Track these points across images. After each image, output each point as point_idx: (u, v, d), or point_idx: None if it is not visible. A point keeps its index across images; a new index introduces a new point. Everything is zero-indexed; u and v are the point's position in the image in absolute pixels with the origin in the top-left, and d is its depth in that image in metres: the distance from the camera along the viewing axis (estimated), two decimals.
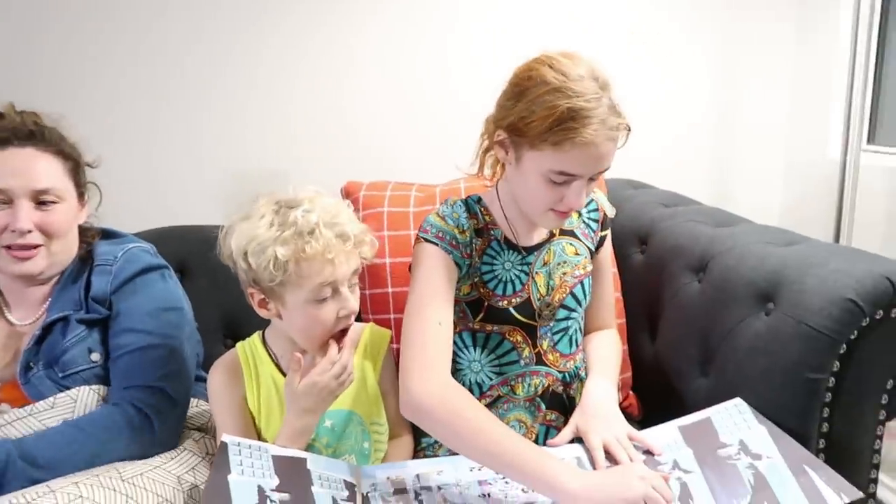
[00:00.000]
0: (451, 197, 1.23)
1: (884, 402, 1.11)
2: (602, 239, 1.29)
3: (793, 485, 0.94)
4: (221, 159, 1.73)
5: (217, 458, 0.94)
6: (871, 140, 1.93)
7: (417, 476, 1.02)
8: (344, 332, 1.08)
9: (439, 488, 1.00)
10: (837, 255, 1.13)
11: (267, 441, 1.09)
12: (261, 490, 0.90)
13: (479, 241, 1.18)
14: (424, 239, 1.15)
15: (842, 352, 1.06)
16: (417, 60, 1.79)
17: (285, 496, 0.91)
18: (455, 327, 1.18)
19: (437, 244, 1.13)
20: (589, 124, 0.99)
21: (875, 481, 1.12)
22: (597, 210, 1.29)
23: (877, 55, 1.84)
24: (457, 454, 1.03)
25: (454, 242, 1.14)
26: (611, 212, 1.31)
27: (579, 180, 1.05)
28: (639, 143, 1.90)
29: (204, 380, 1.36)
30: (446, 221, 1.16)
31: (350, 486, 0.98)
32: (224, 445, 0.95)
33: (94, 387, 1.12)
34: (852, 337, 1.06)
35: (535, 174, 1.06)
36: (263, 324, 1.15)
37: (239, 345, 1.16)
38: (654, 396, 1.45)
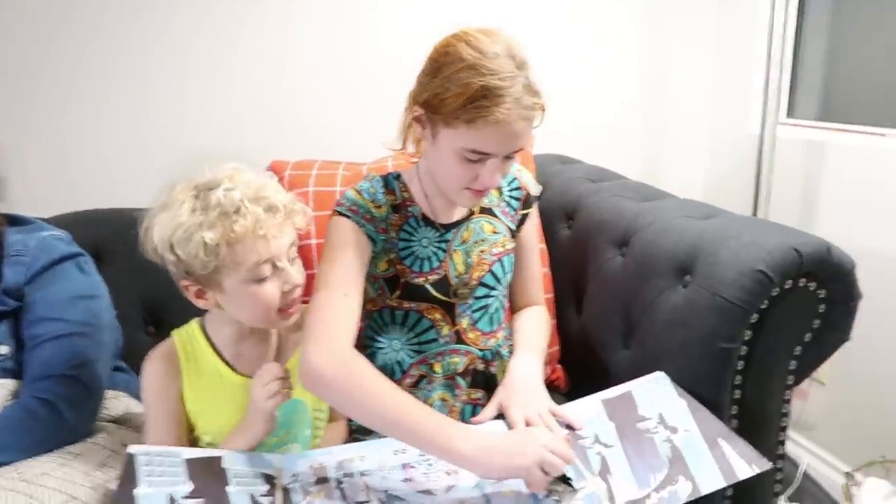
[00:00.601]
0: (371, 173, 1.21)
1: (791, 367, 1.16)
2: (524, 217, 1.29)
3: (707, 457, 0.96)
4: (138, 139, 1.66)
5: (124, 472, 0.89)
6: (790, 114, 1.99)
7: (340, 463, 1.01)
8: (292, 305, 1.05)
9: (362, 474, 0.99)
10: (751, 228, 1.17)
11: (202, 437, 1.06)
12: (171, 499, 0.86)
13: (395, 217, 1.18)
14: (338, 212, 1.14)
15: (753, 321, 1.10)
16: (347, 36, 1.75)
17: (199, 502, 0.88)
18: (374, 304, 1.20)
19: (349, 217, 1.13)
20: (502, 103, 0.99)
21: (783, 443, 1.18)
22: (519, 189, 1.29)
23: (796, 30, 1.89)
24: (384, 437, 1.01)
25: (368, 216, 1.14)
26: (535, 190, 1.31)
27: (493, 159, 1.05)
28: (568, 119, 1.94)
29: (123, 370, 1.33)
30: (362, 195, 1.15)
31: (270, 480, 0.96)
32: (131, 457, 0.91)
33: (1, 381, 1.07)
34: (763, 307, 1.10)
35: (450, 152, 1.06)
36: (188, 306, 1.09)
37: (175, 333, 1.09)
38: (580, 369, 1.48)
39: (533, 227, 1.33)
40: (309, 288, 1.09)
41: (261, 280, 0.99)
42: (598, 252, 1.41)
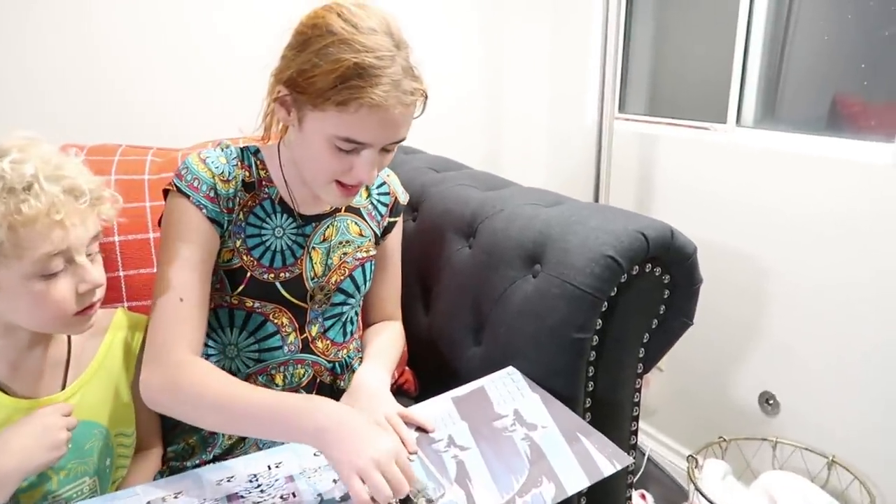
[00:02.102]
0: (226, 140, 1.04)
1: (641, 355, 1.14)
2: (391, 225, 1.18)
3: (567, 454, 0.91)
4: None
5: None
6: (621, 109, 2.06)
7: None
8: (92, 307, 0.87)
9: None
10: (597, 214, 1.14)
11: None
12: None
13: (245, 196, 1.01)
14: (177, 187, 0.96)
15: (604, 309, 1.06)
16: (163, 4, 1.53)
17: None
18: (210, 302, 1.00)
19: (189, 196, 0.95)
20: (378, 84, 0.86)
21: (636, 433, 1.16)
22: (388, 194, 1.17)
23: (624, 34, 1.96)
24: (205, 464, 0.92)
25: (211, 194, 0.97)
26: (403, 198, 1.21)
27: (369, 149, 0.92)
28: None
29: None
30: (207, 165, 0.98)
31: None
32: None
33: None
34: (612, 294, 1.07)
35: (319, 138, 0.91)
36: None
37: None
38: (430, 370, 1.39)
39: (397, 239, 1.22)
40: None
41: (49, 276, 0.81)
42: (444, 244, 1.32)
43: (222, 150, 1.02)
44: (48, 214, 0.79)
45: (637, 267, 1.08)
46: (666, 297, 1.13)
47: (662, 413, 1.93)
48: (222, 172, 0.99)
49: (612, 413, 1.11)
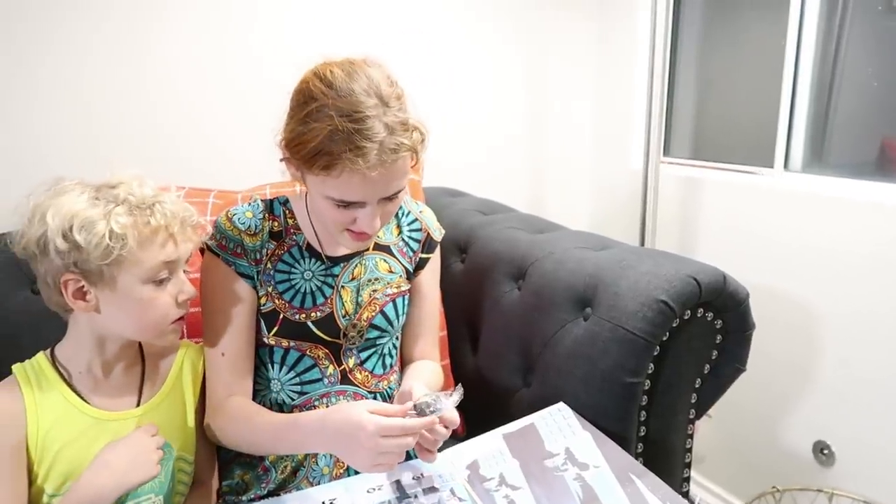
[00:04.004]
0: (255, 195, 1.09)
1: (693, 400, 1.14)
2: (423, 261, 1.19)
3: (620, 495, 0.90)
4: None
5: None
6: (665, 153, 2.07)
7: None
8: (183, 318, 0.98)
9: None
10: (648, 258, 1.15)
11: (43, 488, 0.90)
12: None
13: (273, 245, 1.07)
14: (208, 247, 1.04)
15: (656, 354, 1.06)
16: (221, 52, 1.61)
17: None
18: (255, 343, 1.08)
19: (219, 255, 1.04)
20: (356, 148, 0.87)
21: (688, 480, 1.14)
22: (420, 230, 1.19)
23: (669, 78, 1.98)
24: (260, 499, 0.97)
25: (238, 250, 1.04)
26: (437, 234, 1.21)
27: (368, 206, 0.95)
28: (454, 154, 1.90)
29: None
30: (233, 223, 1.05)
31: None
32: None
33: None
34: (664, 338, 1.07)
35: (319, 197, 0.95)
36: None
37: (16, 368, 0.95)
38: (477, 412, 1.38)
39: (432, 275, 1.22)
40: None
41: (159, 282, 0.92)
42: (493, 285, 1.34)
43: (249, 204, 1.08)
44: (167, 229, 0.91)
45: (689, 311, 1.08)
46: (718, 342, 1.13)
47: (711, 460, 1.89)
48: (248, 227, 1.05)
49: (664, 458, 1.10)
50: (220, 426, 1.03)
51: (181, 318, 0.97)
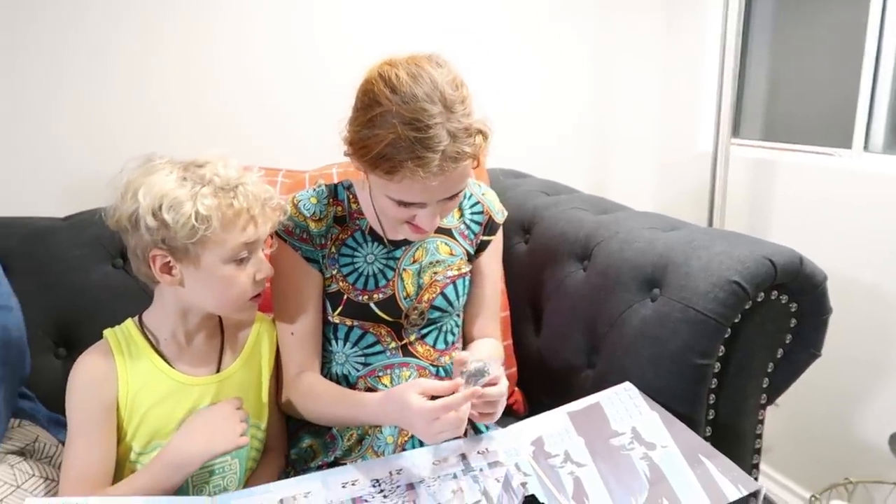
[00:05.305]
0: (321, 180, 1.12)
1: (765, 385, 1.11)
2: (485, 243, 1.20)
3: (689, 476, 0.89)
4: (47, 141, 1.48)
5: None
6: (735, 134, 2.00)
7: (281, 502, 0.88)
8: (261, 296, 1.02)
9: None
10: (721, 239, 1.12)
11: (131, 446, 0.96)
12: None
13: (337, 230, 1.11)
14: (277, 233, 1.09)
15: (727, 336, 1.04)
16: (287, 38, 1.64)
17: None
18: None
19: (286, 240, 1.08)
20: (418, 156, 0.88)
21: (757, 467, 1.12)
22: (482, 213, 1.19)
23: (741, 56, 1.91)
24: (329, 468, 0.98)
25: (304, 235, 1.08)
26: (499, 217, 1.22)
27: (428, 206, 0.97)
28: (518, 137, 1.89)
29: (28, 397, 1.17)
30: (299, 210, 1.09)
31: None
32: None
33: None
34: (736, 320, 1.04)
35: (380, 194, 0.99)
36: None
37: (108, 332, 1.00)
38: (540, 391, 1.39)
39: (494, 257, 1.23)
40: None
41: (240, 261, 0.96)
42: (557, 266, 1.33)
43: (315, 190, 1.12)
44: (248, 211, 0.94)
45: (763, 294, 1.05)
46: (793, 326, 1.10)
47: (779, 450, 1.83)
48: (313, 213, 1.09)
49: (733, 443, 1.08)
50: (292, 402, 1.09)
51: (258, 295, 1.01)
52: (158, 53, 1.53)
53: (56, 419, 1.14)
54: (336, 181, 1.17)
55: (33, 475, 0.96)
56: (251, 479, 1.05)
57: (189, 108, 1.57)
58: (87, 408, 0.94)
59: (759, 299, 1.05)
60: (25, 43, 1.41)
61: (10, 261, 1.24)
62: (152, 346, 0.99)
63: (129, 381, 0.96)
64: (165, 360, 0.99)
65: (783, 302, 1.07)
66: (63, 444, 1.03)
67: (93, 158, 1.49)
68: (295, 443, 1.14)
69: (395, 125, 0.88)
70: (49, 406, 1.15)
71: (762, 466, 1.85)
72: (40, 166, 1.47)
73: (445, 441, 0.94)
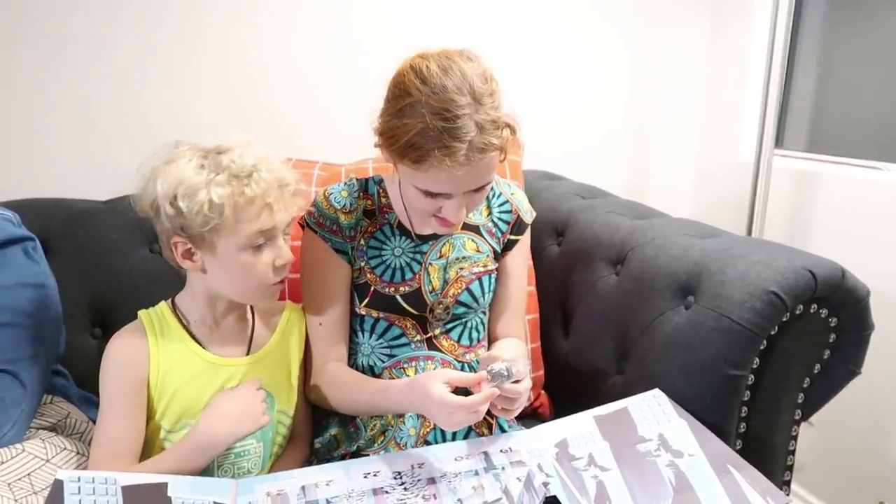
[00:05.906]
0: (352, 175, 1.13)
1: (800, 401, 1.08)
2: (512, 242, 1.19)
3: (716, 486, 0.87)
4: (85, 127, 1.51)
5: (49, 501, 0.77)
6: (778, 145, 1.96)
7: (303, 489, 0.89)
8: (282, 282, 1.02)
9: (328, 501, 0.87)
10: (759, 248, 1.09)
11: (160, 424, 0.98)
12: None
13: (366, 223, 1.12)
14: (307, 224, 1.11)
15: (762, 347, 1.01)
16: (324, 32, 1.65)
17: None
18: None
19: (316, 232, 1.10)
20: (446, 147, 0.90)
21: (789, 483, 1.09)
22: (510, 212, 1.19)
23: (787, 65, 1.87)
24: (352, 458, 0.99)
25: (335, 227, 1.10)
26: (528, 217, 1.21)
27: (455, 198, 0.98)
28: (556, 139, 1.87)
29: (62, 374, 1.19)
30: (330, 202, 1.11)
31: None
32: (59, 484, 0.78)
33: None
34: (773, 332, 1.01)
35: (407, 184, 1.00)
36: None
37: (142, 313, 1.02)
38: (567, 395, 1.37)
39: (521, 256, 1.22)
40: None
41: (256, 248, 0.95)
42: (590, 270, 1.32)
43: (346, 184, 1.13)
44: (263, 198, 0.93)
45: (801, 306, 1.02)
46: (832, 341, 1.07)
47: (811, 470, 1.78)
48: (344, 206, 1.10)
49: (764, 458, 1.05)
50: (318, 390, 1.10)
51: (280, 282, 1.01)
52: (199, 48, 1.56)
53: (87, 398, 1.17)
54: (371, 175, 1.17)
55: (64, 449, 0.98)
56: (276, 465, 1.06)
57: (228, 100, 1.59)
58: (118, 384, 0.96)
59: (798, 312, 1.02)
60: (73, 34, 1.45)
61: (51, 241, 1.27)
62: (184, 327, 1.01)
63: (161, 360, 0.98)
64: (197, 340, 1.01)
65: (823, 316, 1.04)
66: (93, 421, 1.05)
67: (133, 146, 1.51)
68: (320, 432, 1.14)
69: (423, 115, 0.90)
70: (82, 385, 1.18)
71: (794, 486, 1.80)
72: (84, 152, 1.51)
73: (460, 427, 0.95)
